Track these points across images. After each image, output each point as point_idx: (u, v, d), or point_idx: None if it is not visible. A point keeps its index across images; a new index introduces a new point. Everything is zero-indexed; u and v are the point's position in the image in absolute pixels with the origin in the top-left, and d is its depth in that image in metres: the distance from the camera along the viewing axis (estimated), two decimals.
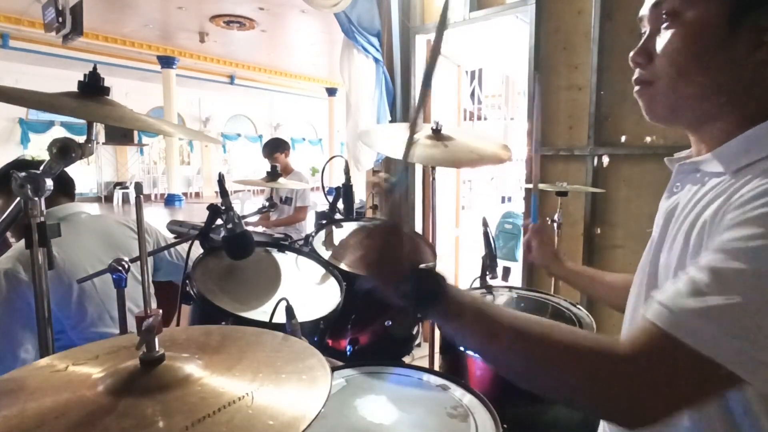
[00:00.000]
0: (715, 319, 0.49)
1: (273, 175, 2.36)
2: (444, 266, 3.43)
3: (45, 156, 0.84)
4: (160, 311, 0.56)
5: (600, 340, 0.55)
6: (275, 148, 4.07)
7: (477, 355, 1.15)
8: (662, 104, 0.69)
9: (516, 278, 2.84)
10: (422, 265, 0.66)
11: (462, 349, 1.18)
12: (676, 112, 0.69)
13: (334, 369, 1.01)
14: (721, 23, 0.61)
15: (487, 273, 1.43)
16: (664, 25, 0.65)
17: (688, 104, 0.67)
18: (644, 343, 0.52)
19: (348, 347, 1.31)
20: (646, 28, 0.70)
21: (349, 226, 1.57)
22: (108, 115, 0.84)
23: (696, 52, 0.63)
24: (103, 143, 12.71)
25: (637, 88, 0.71)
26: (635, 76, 0.70)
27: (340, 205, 1.64)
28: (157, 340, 0.53)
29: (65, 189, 1.51)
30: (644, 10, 0.70)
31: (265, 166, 3.12)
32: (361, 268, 0.66)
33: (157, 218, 8.17)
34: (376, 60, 3.11)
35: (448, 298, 0.62)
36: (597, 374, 0.54)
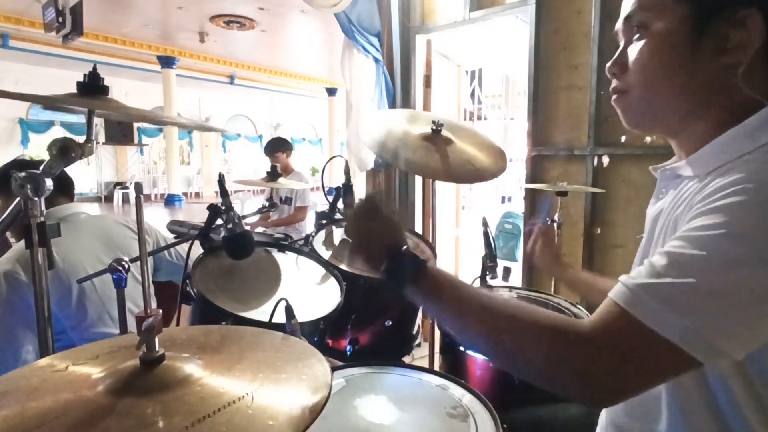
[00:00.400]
0: (666, 297, 0.52)
1: (273, 175, 2.36)
2: (444, 266, 3.43)
3: (45, 156, 0.84)
4: (160, 311, 0.56)
5: (563, 319, 0.59)
6: (278, 147, 4.07)
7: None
8: (637, 113, 0.72)
9: (516, 278, 2.84)
10: (404, 247, 0.72)
11: (462, 348, 1.18)
12: (651, 120, 0.72)
13: (334, 369, 1.01)
14: (686, 33, 0.64)
15: (487, 273, 1.43)
16: (635, 36, 0.69)
17: (660, 112, 0.70)
18: (603, 321, 0.56)
19: (348, 347, 1.31)
20: (622, 41, 0.73)
21: None
22: (110, 108, 0.84)
23: (663, 61, 0.66)
24: (103, 143, 12.71)
25: (613, 97, 0.74)
26: (612, 85, 0.74)
27: (340, 205, 1.64)
28: (157, 340, 0.53)
29: (65, 189, 1.51)
30: (619, 24, 0.73)
31: (266, 166, 3.12)
32: (349, 250, 0.76)
33: (157, 218, 8.17)
34: (376, 60, 3.11)
35: (426, 275, 0.69)
36: (555, 351, 0.57)
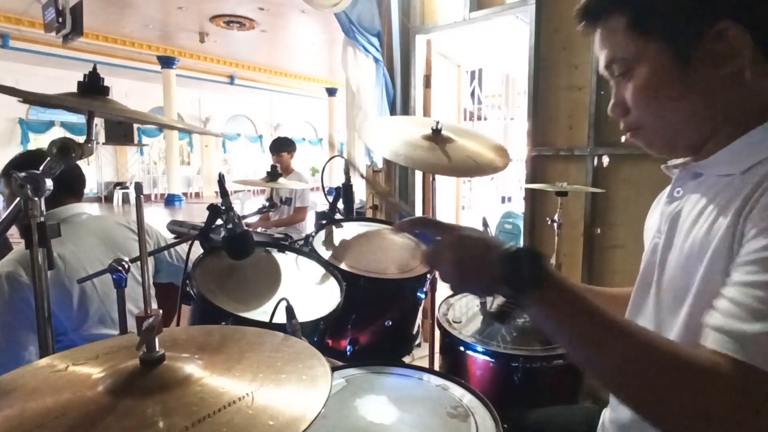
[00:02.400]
0: None
1: (273, 175, 2.36)
2: None
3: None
4: (161, 311, 0.56)
5: (700, 357, 0.52)
6: (284, 146, 4.08)
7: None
8: (659, 144, 0.73)
9: None
10: (511, 245, 0.61)
11: (462, 349, 1.18)
12: (673, 146, 0.72)
13: (334, 369, 1.01)
14: (671, 64, 0.64)
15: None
16: (622, 79, 0.69)
17: (678, 137, 0.70)
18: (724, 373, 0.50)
19: (348, 347, 1.31)
20: (611, 81, 0.73)
21: (349, 226, 1.57)
22: (110, 109, 0.84)
23: (661, 96, 0.67)
24: (103, 143, 12.71)
25: (629, 134, 0.74)
26: (622, 125, 0.74)
27: (340, 205, 1.64)
28: (157, 340, 0.53)
29: (74, 189, 1.51)
30: (601, 69, 0.73)
31: (266, 166, 3.12)
32: (456, 288, 0.69)
33: (157, 218, 8.17)
34: (376, 60, 3.11)
35: (549, 282, 0.58)
36: (696, 390, 0.50)
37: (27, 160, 1.43)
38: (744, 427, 0.48)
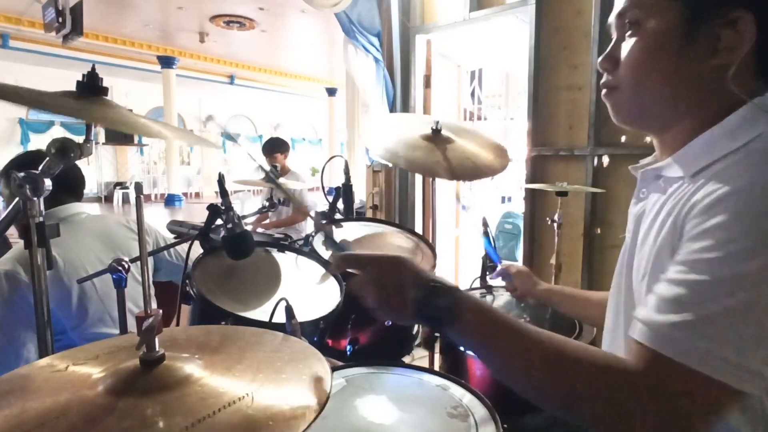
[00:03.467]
0: (693, 332, 0.51)
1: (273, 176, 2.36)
2: (444, 266, 3.43)
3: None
4: (160, 311, 0.56)
5: (613, 358, 0.57)
6: (276, 147, 4.06)
7: (481, 360, 1.15)
8: (626, 109, 0.72)
9: None
10: (427, 280, 0.67)
11: (462, 349, 1.18)
12: (639, 117, 0.72)
13: (334, 369, 1.00)
14: (678, 32, 0.64)
15: (487, 273, 1.43)
16: (628, 33, 0.69)
17: (649, 110, 0.70)
18: (638, 364, 0.54)
19: (348, 347, 1.31)
20: (614, 35, 0.73)
21: (349, 226, 1.57)
22: (106, 117, 0.84)
23: (654, 59, 0.66)
24: (103, 143, 12.72)
25: (603, 91, 0.74)
26: (602, 80, 0.74)
27: (340, 205, 1.64)
28: (157, 340, 0.53)
29: (73, 188, 1.51)
30: (612, 18, 0.73)
31: (266, 166, 3.12)
32: (376, 313, 0.71)
33: (157, 218, 8.17)
34: (376, 60, 3.11)
35: (462, 313, 0.63)
36: (610, 388, 0.55)
37: (27, 161, 1.44)
38: (658, 414, 0.51)
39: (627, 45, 0.69)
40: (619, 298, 0.76)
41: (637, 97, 0.69)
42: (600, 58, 0.74)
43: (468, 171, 1.50)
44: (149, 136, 0.84)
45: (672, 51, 0.64)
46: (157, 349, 0.52)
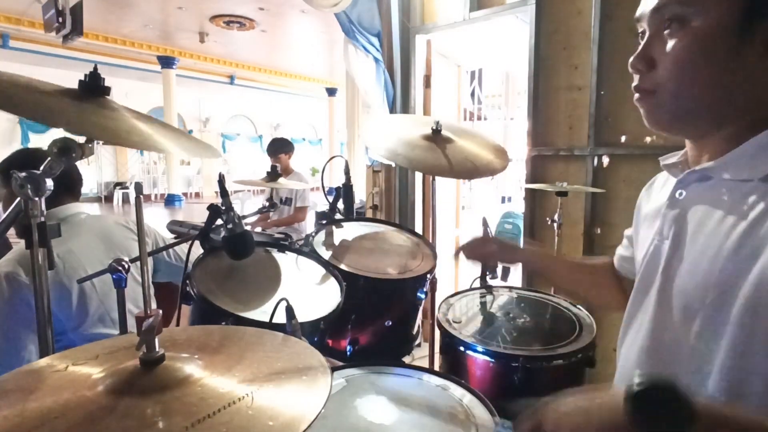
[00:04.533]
0: None
1: (273, 176, 2.36)
2: (444, 266, 3.43)
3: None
4: (160, 311, 0.56)
5: None
6: (281, 148, 4.07)
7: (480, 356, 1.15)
8: (666, 114, 0.66)
9: (516, 278, 2.84)
10: (640, 382, 0.47)
11: (462, 349, 1.18)
12: (680, 122, 0.67)
13: (334, 369, 1.01)
14: (731, 31, 0.59)
15: (487, 273, 1.43)
16: (667, 31, 0.63)
17: (693, 114, 0.64)
18: None
19: (348, 347, 1.31)
20: (643, 29, 0.67)
21: (349, 226, 1.57)
22: (103, 126, 0.83)
23: (703, 61, 0.60)
24: (103, 143, 12.67)
25: (636, 96, 0.68)
26: (635, 83, 0.68)
27: (340, 205, 1.64)
28: (157, 340, 0.53)
29: (71, 188, 1.51)
30: (643, 11, 0.67)
31: (265, 166, 3.12)
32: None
33: (157, 218, 8.17)
34: (376, 60, 3.11)
35: (701, 418, 0.46)
36: None
37: (24, 158, 1.44)
38: None
39: (670, 44, 0.62)
40: (644, 302, 0.72)
41: (679, 100, 0.63)
42: (632, 58, 0.66)
43: (468, 170, 1.50)
44: (144, 148, 0.83)
45: (721, 52, 0.59)
46: (157, 349, 0.52)
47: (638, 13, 0.68)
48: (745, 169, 0.61)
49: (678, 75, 0.62)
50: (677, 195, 0.70)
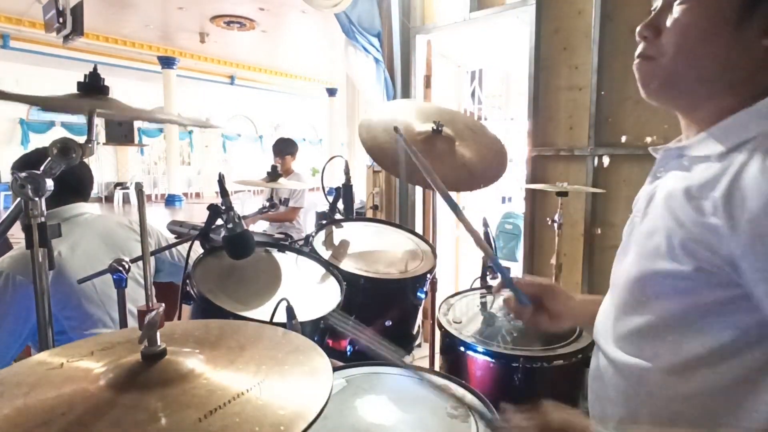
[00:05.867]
0: None
1: (273, 176, 2.36)
2: (444, 266, 3.43)
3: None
4: (162, 305, 0.57)
5: None
6: (286, 148, 4.06)
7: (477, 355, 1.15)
8: (661, 80, 0.68)
9: None
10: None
11: (462, 349, 1.18)
12: (674, 90, 0.69)
13: (334, 369, 1.00)
14: (737, 7, 0.61)
15: (487, 273, 1.43)
16: (678, 1, 0.65)
17: (688, 83, 0.67)
18: None
19: (348, 347, 1.31)
20: (657, 3, 0.69)
21: (349, 226, 1.57)
22: (110, 107, 0.84)
23: (705, 31, 0.63)
24: (103, 143, 12.71)
25: (637, 61, 0.70)
26: (639, 50, 0.70)
27: (340, 205, 1.64)
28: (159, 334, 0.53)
29: (78, 188, 1.51)
30: None
31: (266, 166, 3.12)
32: None
33: (157, 218, 8.17)
34: (377, 60, 3.11)
35: None
36: None
37: (40, 157, 1.43)
38: None
39: (675, 13, 0.65)
40: (618, 272, 0.76)
41: (676, 68, 0.66)
42: (640, 26, 0.69)
43: (463, 182, 1.48)
44: (154, 121, 0.84)
45: (724, 25, 0.62)
46: (158, 343, 0.53)
47: None
48: (709, 146, 0.64)
49: (679, 42, 0.65)
50: (658, 173, 0.75)
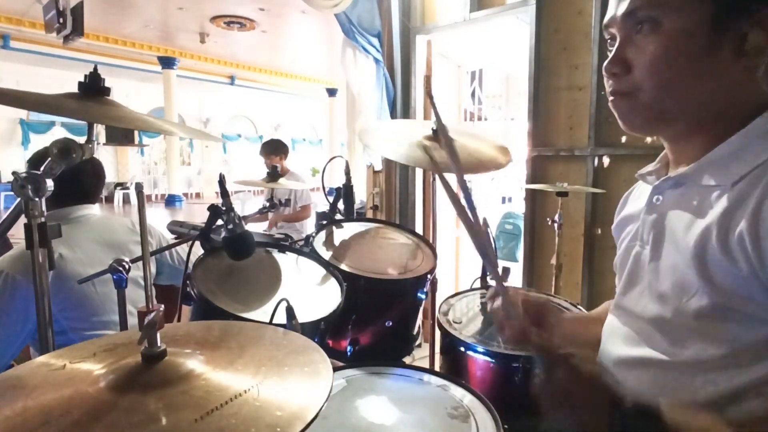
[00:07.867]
0: None
1: (273, 176, 2.36)
2: (444, 266, 3.43)
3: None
4: (162, 306, 0.57)
5: None
6: (274, 150, 4.06)
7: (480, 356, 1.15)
8: (644, 116, 0.67)
9: (516, 278, 2.84)
10: (627, 401, 0.58)
11: (462, 349, 1.18)
12: (659, 123, 0.68)
13: (334, 369, 1.00)
14: (703, 31, 0.60)
15: (487, 273, 1.43)
16: (639, 34, 0.64)
17: (671, 115, 0.65)
18: None
19: (348, 348, 1.31)
20: (613, 34, 0.68)
21: (350, 227, 1.57)
22: (108, 115, 0.84)
23: (678, 61, 0.62)
24: (103, 144, 12.71)
25: (612, 99, 0.69)
26: (610, 87, 0.68)
27: (341, 205, 1.64)
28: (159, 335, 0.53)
29: (84, 189, 1.50)
30: (613, 15, 0.68)
31: (266, 166, 3.13)
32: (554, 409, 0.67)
33: (157, 219, 8.17)
34: (377, 61, 3.11)
35: None
36: None
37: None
38: None
39: (641, 46, 0.63)
40: (633, 297, 0.74)
41: (658, 102, 0.64)
42: (607, 62, 0.67)
43: (472, 165, 1.49)
44: (152, 131, 0.84)
45: (695, 52, 0.60)
46: (158, 344, 0.53)
47: (607, 19, 0.70)
48: (716, 175, 0.63)
49: (655, 74, 0.63)
50: (654, 200, 0.72)
